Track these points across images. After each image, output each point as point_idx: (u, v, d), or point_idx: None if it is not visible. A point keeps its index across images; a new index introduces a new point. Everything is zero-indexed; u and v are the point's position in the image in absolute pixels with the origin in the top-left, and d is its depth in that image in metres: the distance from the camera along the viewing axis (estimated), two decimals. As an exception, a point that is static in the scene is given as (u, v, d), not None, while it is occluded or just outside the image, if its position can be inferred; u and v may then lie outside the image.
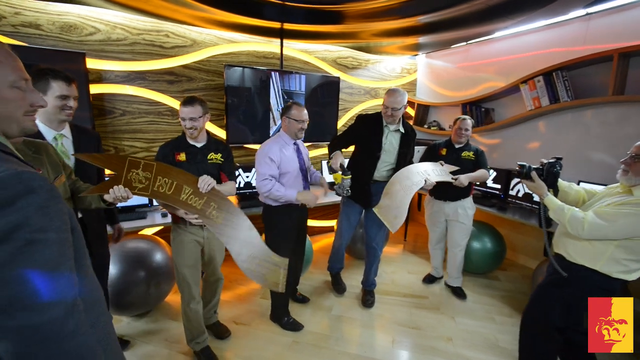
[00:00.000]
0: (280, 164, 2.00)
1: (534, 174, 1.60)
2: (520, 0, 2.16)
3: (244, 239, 1.62)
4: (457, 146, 2.51)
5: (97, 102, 2.53)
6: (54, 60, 2.20)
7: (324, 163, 3.47)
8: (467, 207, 2.54)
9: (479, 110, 3.38)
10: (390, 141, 2.24)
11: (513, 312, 2.43)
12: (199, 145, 1.81)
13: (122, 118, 2.66)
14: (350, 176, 1.98)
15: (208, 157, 1.82)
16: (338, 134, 2.44)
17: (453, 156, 2.49)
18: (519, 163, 1.65)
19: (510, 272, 3.07)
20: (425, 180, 2.13)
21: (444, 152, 2.54)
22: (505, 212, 2.73)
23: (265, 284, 1.65)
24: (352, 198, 2.35)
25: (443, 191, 2.50)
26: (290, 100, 2.07)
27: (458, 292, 2.66)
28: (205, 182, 1.55)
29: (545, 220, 1.59)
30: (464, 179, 2.36)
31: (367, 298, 2.52)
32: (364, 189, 2.27)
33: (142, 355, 1.93)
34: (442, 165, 2.37)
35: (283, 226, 2.08)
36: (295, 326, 2.20)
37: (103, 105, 2.57)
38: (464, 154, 2.47)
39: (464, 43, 3.51)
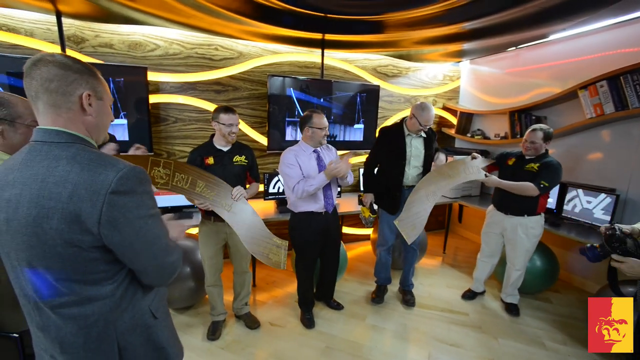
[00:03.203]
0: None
1: (622, 259, 1.15)
2: (582, 0, 2.00)
3: (250, 224, 1.89)
4: (527, 157, 2.30)
5: (154, 110, 2.79)
6: (122, 75, 2.49)
7: (360, 170, 3.47)
8: (529, 226, 2.28)
9: (529, 118, 3.16)
10: (416, 146, 2.33)
11: (567, 339, 2.21)
12: (225, 149, 2.00)
13: (175, 125, 2.90)
14: (376, 215, 2.35)
15: (234, 159, 2.01)
16: (369, 155, 2.53)
17: (517, 167, 2.31)
18: (605, 227, 1.19)
19: (564, 295, 2.80)
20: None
21: (511, 162, 2.37)
22: (558, 229, 2.51)
23: (269, 263, 1.90)
24: (385, 209, 2.44)
25: (505, 201, 2.34)
26: (308, 110, 2.12)
27: (511, 309, 2.48)
28: (239, 192, 1.89)
29: None
30: (494, 180, 2.25)
31: (409, 297, 2.59)
32: (395, 196, 2.35)
33: (184, 346, 2.06)
34: (476, 158, 2.33)
35: (305, 232, 2.15)
36: (307, 323, 2.29)
37: (159, 113, 2.83)
38: (529, 165, 2.25)
39: (514, 48, 3.32)
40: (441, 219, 4.33)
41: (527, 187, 2.16)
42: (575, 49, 2.86)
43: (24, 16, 2.32)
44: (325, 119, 2.07)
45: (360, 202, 2.42)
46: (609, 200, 2.42)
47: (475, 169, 2.22)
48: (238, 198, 1.88)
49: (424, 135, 2.33)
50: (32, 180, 0.69)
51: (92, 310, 0.75)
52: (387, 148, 2.35)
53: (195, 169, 1.77)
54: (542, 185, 2.15)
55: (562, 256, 2.93)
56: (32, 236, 0.69)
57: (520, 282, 2.46)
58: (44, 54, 0.73)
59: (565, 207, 2.69)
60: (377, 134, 2.49)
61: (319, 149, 2.15)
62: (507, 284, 2.50)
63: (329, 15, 2.35)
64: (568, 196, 2.68)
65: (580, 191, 2.60)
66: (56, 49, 2.38)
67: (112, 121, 0.87)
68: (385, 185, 2.37)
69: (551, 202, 2.77)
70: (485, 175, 2.29)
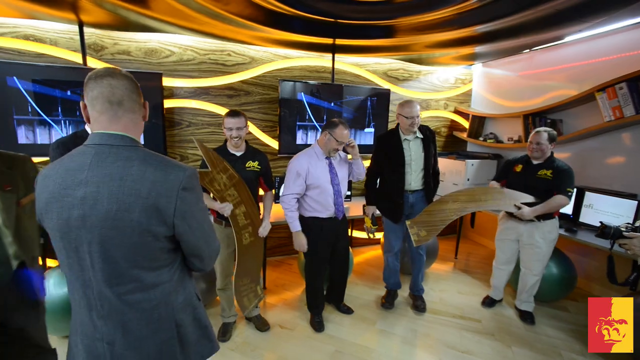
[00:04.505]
0: (307, 178, 2.06)
1: (632, 234, 1.38)
2: (599, 1, 1.96)
3: (251, 263, 1.95)
4: (534, 162, 2.25)
5: (169, 115, 2.86)
6: (139, 80, 2.53)
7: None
8: (546, 231, 2.23)
9: (544, 121, 3.09)
10: (414, 149, 2.30)
11: (585, 350, 2.13)
12: (238, 154, 2.01)
13: (188, 129, 2.97)
14: (377, 226, 2.42)
15: (246, 165, 2.01)
16: (369, 165, 2.50)
17: (528, 174, 2.25)
18: (601, 222, 1.45)
19: (582, 304, 2.70)
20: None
21: (518, 168, 2.32)
22: (575, 235, 2.44)
23: (240, 303, 1.96)
24: (389, 218, 2.43)
25: None
26: (339, 118, 2.10)
27: (526, 317, 2.41)
28: (265, 230, 2.03)
29: None
30: (528, 212, 2.15)
31: (419, 303, 2.55)
32: (397, 203, 2.32)
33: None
34: (520, 208, 2.21)
35: (316, 237, 2.15)
36: (316, 326, 2.28)
37: (173, 117, 2.90)
38: (541, 172, 2.19)
39: (528, 50, 3.26)
40: (453, 224, 4.25)
41: (561, 202, 2.13)
42: (592, 50, 2.79)
43: (48, 27, 2.43)
44: (346, 134, 2.02)
45: (364, 212, 2.47)
46: (629, 206, 2.34)
47: (510, 202, 2.20)
48: (263, 235, 2.00)
49: (420, 136, 2.30)
50: (109, 179, 0.77)
51: (155, 295, 0.85)
52: (385, 155, 2.33)
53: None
54: (569, 193, 2.12)
55: (580, 263, 2.84)
56: (112, 229, 0.77)
57: (536, 289, 2.40)
58: (111, 68, 0.84)
59: (582, 212, 2.61)
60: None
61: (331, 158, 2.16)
62: (522, 290, 2.44)
63: (339, 21, 2.37)
64: (586, 201, 2.60)
65: (598, 196, 2.52)
66: (78, 56, 2.49)
67: None
68: (387, 191, 2.36)
69: (568, 207, 2.69)
70: (517, 207, 2.21)
